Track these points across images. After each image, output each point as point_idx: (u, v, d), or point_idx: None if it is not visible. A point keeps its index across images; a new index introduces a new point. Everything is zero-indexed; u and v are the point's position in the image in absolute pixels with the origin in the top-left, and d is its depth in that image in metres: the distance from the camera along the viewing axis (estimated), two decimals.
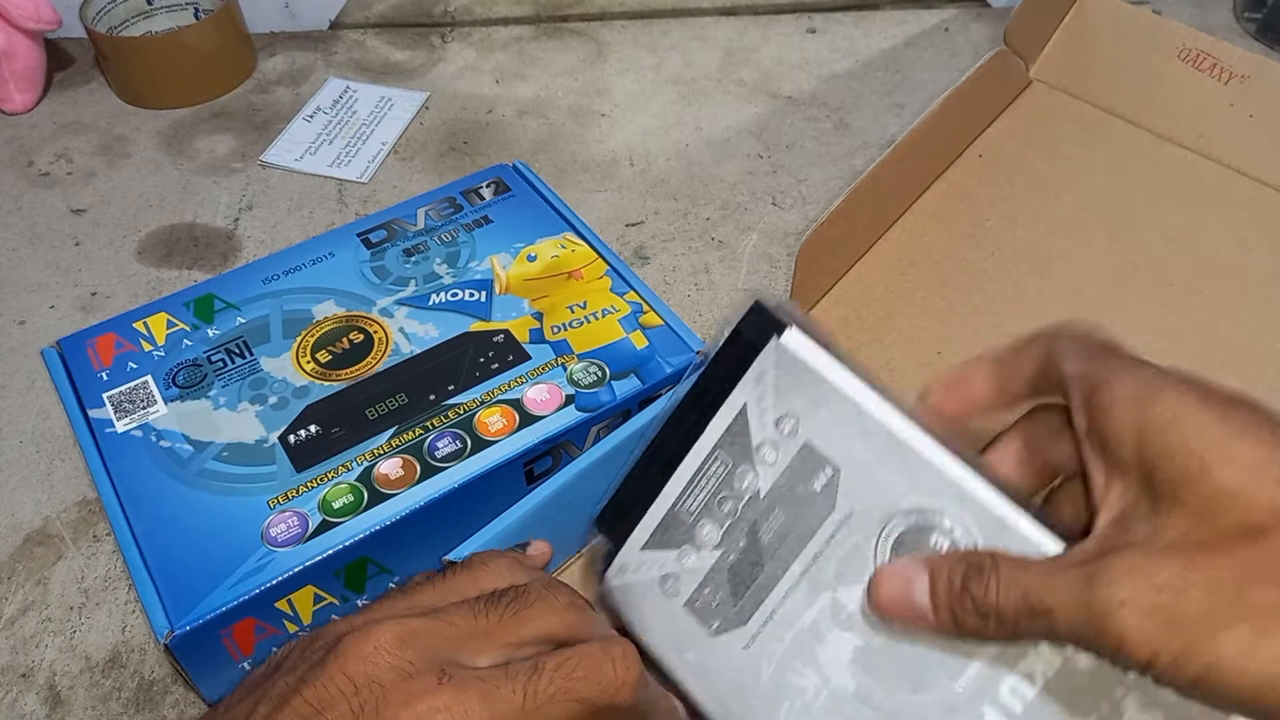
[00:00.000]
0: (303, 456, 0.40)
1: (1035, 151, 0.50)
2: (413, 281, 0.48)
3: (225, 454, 0.41)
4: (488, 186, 0.53)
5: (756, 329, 0.31)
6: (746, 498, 0.31)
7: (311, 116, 0.68)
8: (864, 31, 0.74)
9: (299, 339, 0.45)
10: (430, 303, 0.47)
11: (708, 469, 0.32)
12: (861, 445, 0.29)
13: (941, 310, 0.44)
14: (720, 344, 0.32)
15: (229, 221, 0.61)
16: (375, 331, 0.45)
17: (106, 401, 0.43)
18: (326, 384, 0.43)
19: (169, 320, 0.46)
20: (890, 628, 0.27)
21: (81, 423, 0.42)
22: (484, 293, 0.47)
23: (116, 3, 0.70)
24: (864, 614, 0.28)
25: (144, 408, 0.42)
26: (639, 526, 0.33)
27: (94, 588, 0.44)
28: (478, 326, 0.46)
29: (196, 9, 0.72)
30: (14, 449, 0.49)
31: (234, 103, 0.70)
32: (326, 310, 0.46)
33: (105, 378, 0.44)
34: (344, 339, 0.45)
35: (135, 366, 0.44)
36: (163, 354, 0.45)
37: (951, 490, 0.27)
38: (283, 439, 0.41)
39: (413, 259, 0.49)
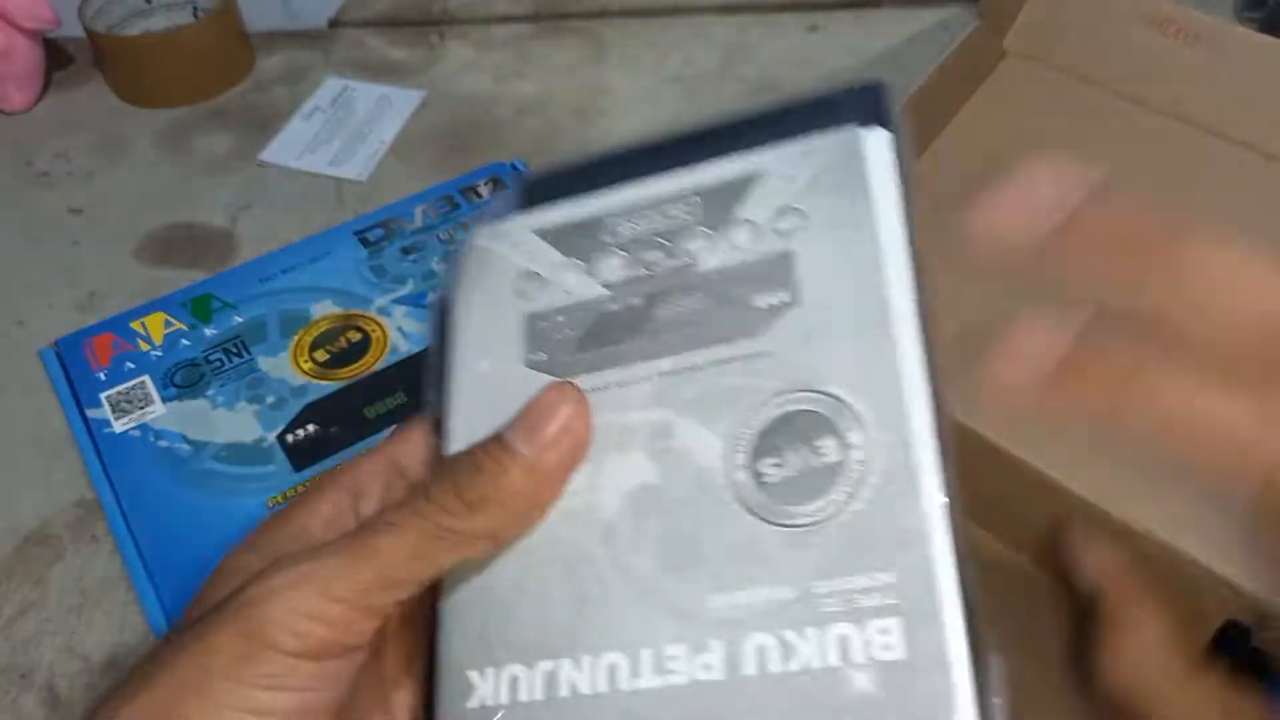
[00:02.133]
0: (301, 456, 0.40)
1: (1014, 120, 0.51)
2: (411, 280, 0.48)
3: (224, 454, 0.41)
4: (486, 185, 0.53)
5: (856, 106, 0.25)
6: (680, 262, 0.25)
7: (310, 115, 0.68)
8: (865, 30, 0.73)
9: (296, 338, 0.45)
10: (429, 301, 0.47)
11: (670, 205, 0.26)
12: (844, 302, 0.23)
13: (938, 276, 0.45)
14: (813, 96, 0.26)
15: (227, 220, 0.61)
16: (373, 330, 0.45)
17: (104, 401, 0.43)
18: (324, 383, 0.43)
19: (166, 320, 0.46)
20: (697, 506, 0.22)
21: (79, 423, 0.42)
22: None
23: (115, 1, 0.70)
24: (680, 456, 0.23)
25: (142, 407, 0.42)
26: (551, 207, 0.27)
27: (92, 588, 0.43)
28: None
29: (195, 8, 0.72)
30: (12, 449, 0.49)
31: (232, 101, 0.70)
32: (324, 309, 0.46)
33: (103, 378, 0.44)
34: (341, 338, 0.45)
35: (133, 366, 0.44)
36: (160, 354, 0.45)
37: (891, 413, 0.22)
38: (281, 438, 0.41)
39: (411, 257, 0.49)
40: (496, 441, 0.23)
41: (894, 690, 0.19)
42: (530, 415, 0.23)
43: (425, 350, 0.44)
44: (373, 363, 0.44)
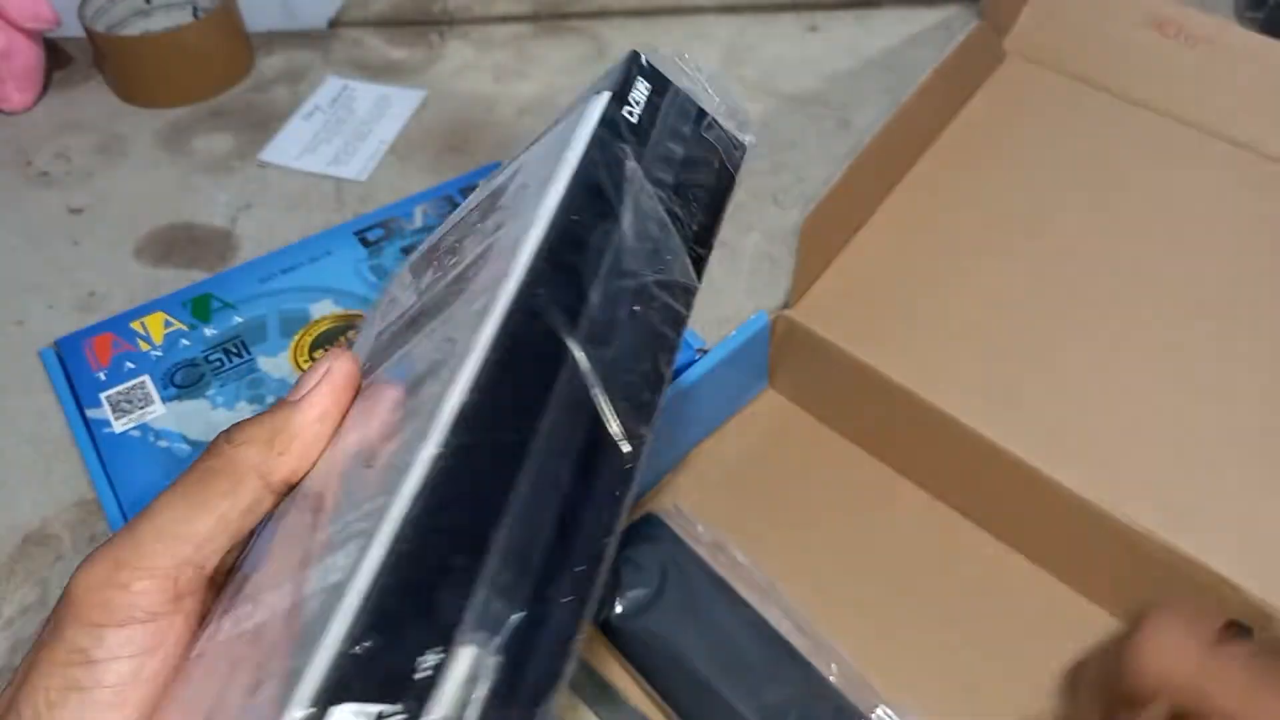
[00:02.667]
0: None
1: (1016, 121, 0.51)
2: None
3: None
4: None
5: (612, 78, 0.25)
6: (456, 258, 0.26)
7: (310, 115, 0.68)
8: (865, 29, 0.73)
9: (297, 338, 0.45)
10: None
11: (472, 212, 0.27)
12: (503, 248, 0.22)
13: (941, 275, 0.45)
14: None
15: (227, 220, 0.61)
16: None
17: (104, 401, 0.42)
18: None
19: (166, 320, 0.46)
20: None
21: (79, 423, 0.42)
22: None
23: (115, 1, 0.70)
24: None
25: (142, 407, 0.42)
26: (425, 244, 0.31)
27: None
28: None
29: (194, 7, 0.72)
30: (12, 449, 0.49)
31: (232, 101, 0.70)
32: (324, 309, 0.46)
33: (103, 378, 0.43)
34: (342, 338, 0.45)
35: (133, 366, 0.44)
36: (160, 354, 0.45)
37: (459, 360, 0.20)
38: None
39: None
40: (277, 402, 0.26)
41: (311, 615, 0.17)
42: (301, 377, 0.26)
43: None
44: None
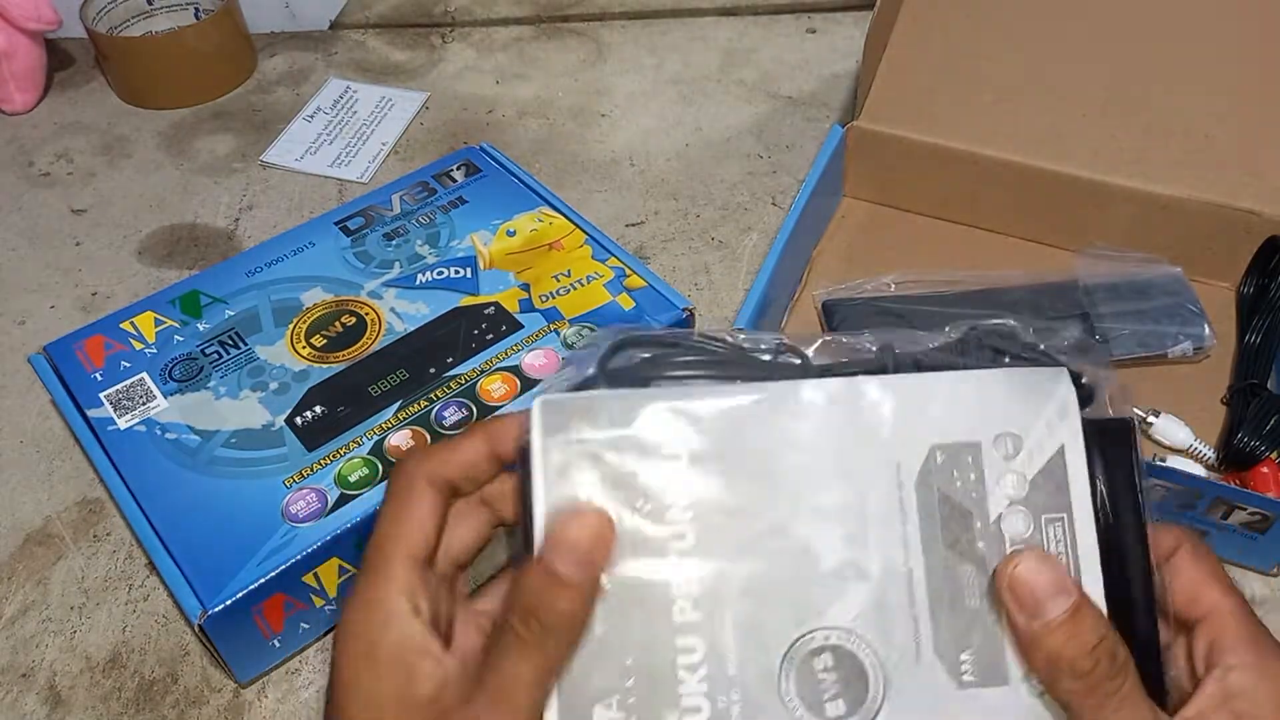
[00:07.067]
0: (312, 436, 0.41)
1: None
2: (397, 264, 0.49)
3: (234, 440, 0.41)
4: (459, 169, 0.54)
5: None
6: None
7: (312, 117, 0.68)
8: (864, 31, 0.73)
9: (291, 326, 0.46)
10: (417, 282, 0.48)
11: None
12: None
13: (968, 59, 0.55)
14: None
15: (229, 221, 0.61)
16: (367, 313, 0.46)
17: (104, 401, 0.43)
18: (325, 366, 0.44)
19: (157, 319, 0.46)
20: None
21: (81, 424, 0.42)
22: (469, 269, 0.48)
23: (117, 3, 0.70)
24: None
25: (144, 403, 0.43)
26: None
27: (94, 588, 0.43)
28: (467, 301, 0.47)
29: (197, 9, 0.72)
30: (14, 449, 0.49)
31: (234, 103, 0.70)
32: (315, 297, 0.47)
33: (99, 378, 0.44)
34: (336, 323, 0.46)
35: (129, 365, 0.44)
36: (155, 351, 0.45)
37: None
38: (289, 421, 0.42)
39: (394, 242, 0.50)
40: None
41: None
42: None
43: (430, 333, 0.44)
44: (371, 344, 0.45)
